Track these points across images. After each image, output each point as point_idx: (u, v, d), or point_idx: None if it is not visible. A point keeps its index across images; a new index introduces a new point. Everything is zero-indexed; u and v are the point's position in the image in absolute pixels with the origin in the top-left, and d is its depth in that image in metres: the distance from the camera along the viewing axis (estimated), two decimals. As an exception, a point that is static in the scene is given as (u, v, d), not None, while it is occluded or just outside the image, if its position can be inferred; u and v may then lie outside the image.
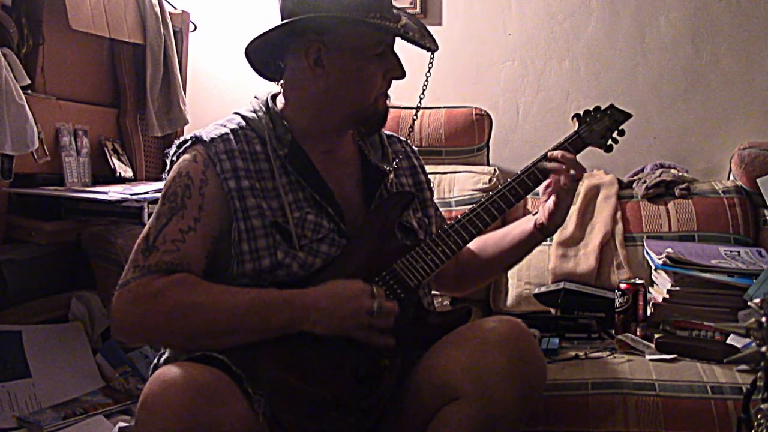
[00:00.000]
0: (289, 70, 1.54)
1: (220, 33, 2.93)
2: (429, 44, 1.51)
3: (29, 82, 2.07)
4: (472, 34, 2.86)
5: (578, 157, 1.64)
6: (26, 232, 2.13)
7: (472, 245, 1.67)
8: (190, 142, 1.50)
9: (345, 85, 1.50)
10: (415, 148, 1.76)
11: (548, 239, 2.37)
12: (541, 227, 1.62)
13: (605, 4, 2.79)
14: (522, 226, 1.67)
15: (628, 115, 1.69)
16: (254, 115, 1.54)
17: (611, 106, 1.69)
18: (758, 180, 2.39)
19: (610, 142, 1.67)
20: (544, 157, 1.60)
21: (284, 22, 1.47)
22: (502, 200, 1.58)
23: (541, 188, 1.61)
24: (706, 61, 2.74)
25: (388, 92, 1.57)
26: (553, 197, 1.59)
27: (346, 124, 1.56)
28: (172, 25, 2.60)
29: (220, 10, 2.94)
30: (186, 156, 1.48)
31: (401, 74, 1.52)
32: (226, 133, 1.50)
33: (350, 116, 1.54)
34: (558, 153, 1.58)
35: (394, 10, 1.52)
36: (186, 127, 2.63)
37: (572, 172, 1.56)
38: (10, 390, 1.92)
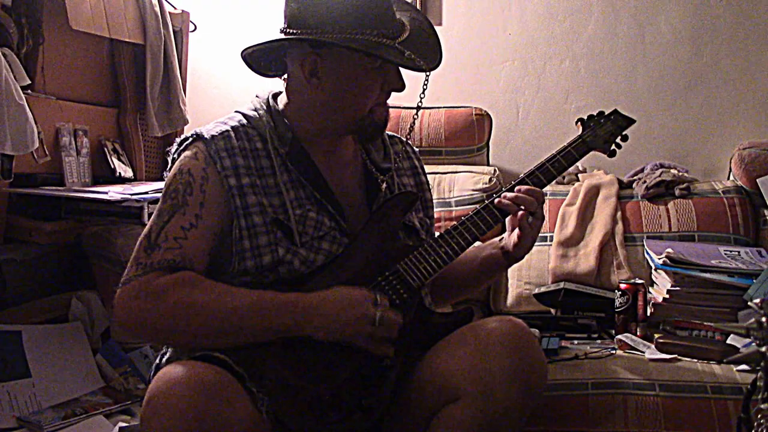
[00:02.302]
0: (289, 72, 1.55)
1: (220, 33, 2.93)
2: (425, 62, 1.47)
3: (29, 82, 2.07)
4: (472, 34, 2.86)
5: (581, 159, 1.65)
6: (26, 232, 2.13)
7: None
8: (191, 139, 1.50)
9: (340, 96, 1.50)
10: (416, 149, 1.76)
11: (548, 239, 2.38)
12: (507, 255, 1.61)
13: (605, 4, 2.79)
14: (490, 249, 1.66)
15: (632, 121, 1.69)
16: (255, 113, 1.54)
17: (615, 112, 1.69)
18: (758, 180, 2.39)
19: (613, 147, 1.67)
20: (544, 165, 1.60)
21: (280, 38, 1.48)
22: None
23: (508, 218, 1.59)
24: (706, 61, 2.74)
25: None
26: (517, 230, 1.57)
27: (342, 131, 1.56)
28: (172, 25, 2.60)
29: (220, 10, 2.94)
30: (187, 153, 1.49)
31: (400, 87, 1.52)
32: (227, 131, 1.50)
33: (346, 125, 1.54)
34: (522, 188, 1.55)
35: (399, 14, 1.50)
36: (186, 127, 2.63)
37: (523, 207, 1.54)
38: (10, 390, 1.92)
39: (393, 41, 1.45)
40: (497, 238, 1.66)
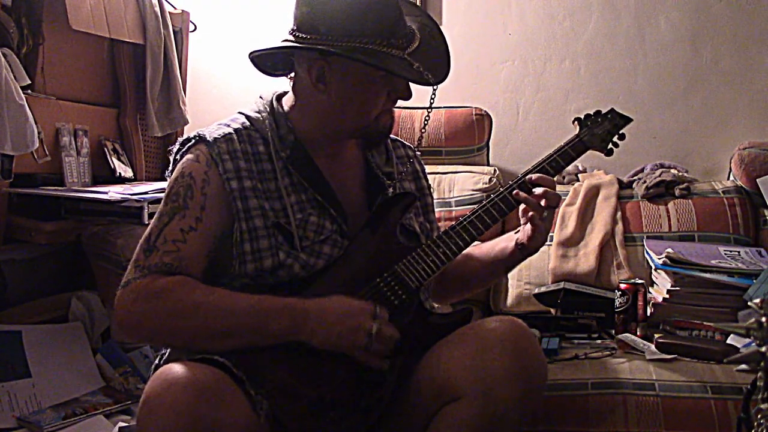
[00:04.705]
0: (296, 74, 1.54)
1: (220, 33, 2.93)
2: (433, 75, 1.46)
3: (29, 82, 2.07)
4: (472, 34, 2.86)
5: (579, 158, 1.65)
6: (26, 232, 2.13)
7: (459, 256, 1.62)
8: (193, 141, 1.50)
9: (346, 103, 1.49)
10: (418, 153, 1.76)
11: (548, 239, 2.38)
12: (522, 247, 1.61)
13: (605, 4, 2.79)
14: (504, 243, 1.66)
15: (629, 120, 1.69)
16: (258, 115, 1.54)
17: (612, 110, 1.69)
18: (758, 180, 2.39)
19: (610, 146, 1.68)
20: (546, 161, 1.60)
21: (288, 45, 1.47)
22: (504, 202, 1.57)
23: (520, 210, 1.59)
24: (706, 61, 2.74)
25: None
26: (529, 224, 1.57)
27: (346, 136, 1.56)
28: (172, 25, 2.60)
29: (220, 10, 2.94)
30: (189, 156, 1.48)
31: (407, 96, 1.52)
32: (230, 133, 1.50)
33: (350, 131, 1.54)
34: (535, 177, 1.56)
35: (410, 19, 1.50)
36: (186, 127, 2.63)
37: (542, 203, 1.54)
38: (10, 390, 1.92)
39: (402, 51, 1.45)
40: (513, 232, 1.66)
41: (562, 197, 2.47)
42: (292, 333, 1.38)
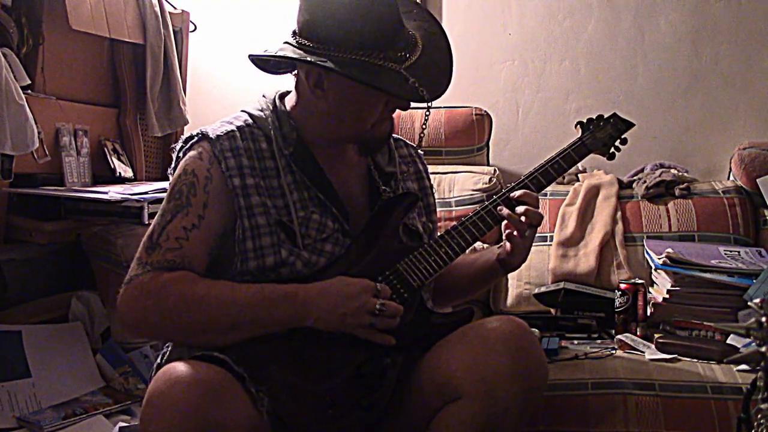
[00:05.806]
0: (297, 76, 1.54)
1: (220, 33, 2.93)
2: (429, 91, 1.44)
3: (29, 82, 2.07)
4: (472, 34, 2.86)
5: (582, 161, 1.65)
6: (26, 232, 2.12)
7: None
8: (196, 138, 1.50)
9: (343, 110, 1.49)
10: (421, 153, 1.76)
11: (548, 239, 2.38)
12: (503, 263, 1.61)
13: (605, 4, 2.79)
14: (488, 256, 1.66)
15: (631, 125, 1.71)
16: (261, 113, 1.54)
17: (614, 115, 1.70)
18: (758, 180, 2.39)
19: (612, 150, 1.69)
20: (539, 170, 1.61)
21: (286, 55, 1.46)
22: (505, 203, 1.58)
23: (502, 226, 1.59)
24: (706, 61, 2.74)
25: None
26: (508, 242, 1.57)
27: (344, 141, 1.57)
28: (172, 25, 2.60)
29: (220, 10, 2.94)
30: (192, 153, 1.49)
31: (404, 106, 1.51)
32: (232, 131, 1.50)
33: (348, 137, 1.54)
34: (517, 194, 1.56)
35: (416, 24, 1.49)
36: (186, 127, 2.62)
37: (523, 219, 1.54)
38: (10, 390, 1.92)
39: (399, 65, 1.43)
40: (496, 246, 1.66)
41: (562, 197, 2.49)
42: (295, 320, 1.39)
